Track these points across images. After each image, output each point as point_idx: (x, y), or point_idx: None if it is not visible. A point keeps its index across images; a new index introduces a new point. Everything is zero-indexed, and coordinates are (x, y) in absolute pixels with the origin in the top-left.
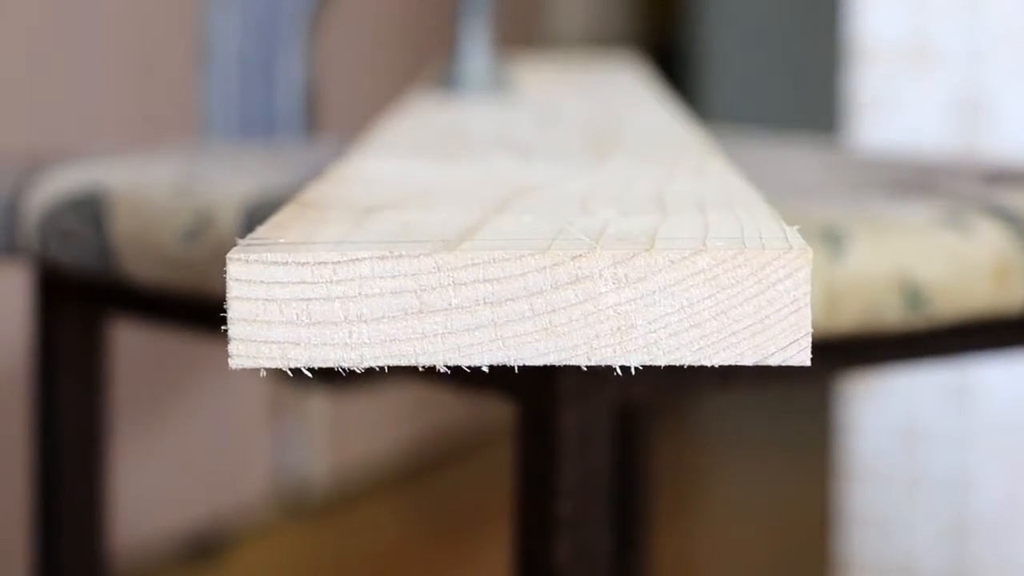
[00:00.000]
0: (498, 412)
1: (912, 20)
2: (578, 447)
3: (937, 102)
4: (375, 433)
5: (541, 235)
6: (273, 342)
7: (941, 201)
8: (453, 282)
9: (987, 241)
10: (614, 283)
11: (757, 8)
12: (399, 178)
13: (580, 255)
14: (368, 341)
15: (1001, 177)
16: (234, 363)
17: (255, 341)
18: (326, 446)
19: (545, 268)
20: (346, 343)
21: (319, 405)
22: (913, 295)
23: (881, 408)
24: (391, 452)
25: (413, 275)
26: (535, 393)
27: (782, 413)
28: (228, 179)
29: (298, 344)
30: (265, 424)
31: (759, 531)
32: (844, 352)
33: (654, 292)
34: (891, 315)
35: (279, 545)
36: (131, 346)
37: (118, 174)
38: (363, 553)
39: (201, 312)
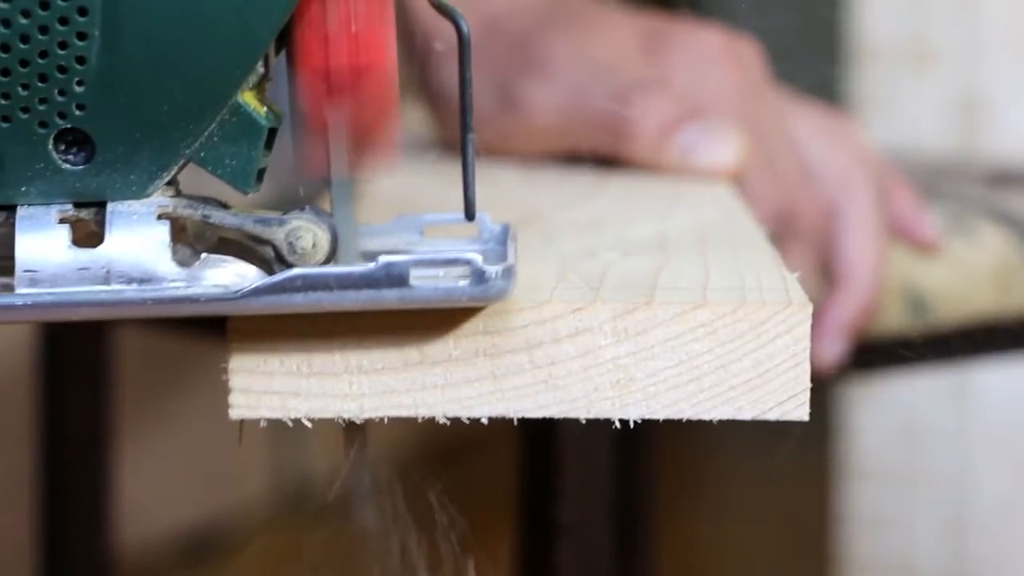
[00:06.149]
0: None
1: (912, 20)
2: (579, 452)
3: (937, 102)
4: (375, 433)
5: (542, 284)
6: (274, 392)
7: (943, 205)
8: (453, 334)
9: (990, 246)
10: (614, 336)
11: (756, 8)
12: (401, 198)
13: (580, 308)
14: (368, 392)
15: (1002, 180)
16: (234, 413)
17: (255, 391)
18: (326, 446)
19: (545, 321)
20: (346, 394)
21: None
22: (915, 301)
23: (881, 408)
24: (391, 452)
25: (413, 326)
26: None
27: None
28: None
29: (298, 395)
30: (265, 424)
31: (759, 531)
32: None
33: (653, 346)
34: (893, 322)
35: (279, 545)
36: (133, 346)
37: None
38: (363, 553)
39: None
